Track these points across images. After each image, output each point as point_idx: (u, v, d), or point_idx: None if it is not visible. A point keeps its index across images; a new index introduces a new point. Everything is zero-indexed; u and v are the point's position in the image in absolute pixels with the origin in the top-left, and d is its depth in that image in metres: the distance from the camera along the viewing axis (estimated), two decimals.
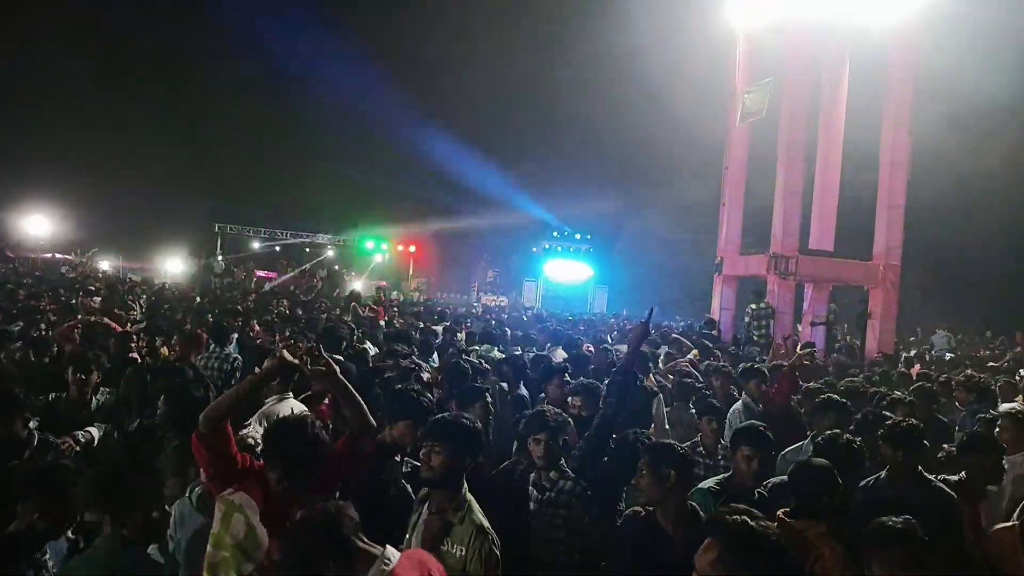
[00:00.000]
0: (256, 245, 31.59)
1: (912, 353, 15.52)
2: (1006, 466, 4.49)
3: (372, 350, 8.15)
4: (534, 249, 29.82)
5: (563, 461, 3.92)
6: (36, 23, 29.56)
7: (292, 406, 5.00)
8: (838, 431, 4.22)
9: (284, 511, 2.81)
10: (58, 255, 26.38)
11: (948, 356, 14.42)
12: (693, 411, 6.16)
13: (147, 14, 31.98)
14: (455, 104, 32.26)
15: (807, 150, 15.68)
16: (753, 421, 4.64)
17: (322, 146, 33.89)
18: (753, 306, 14.17)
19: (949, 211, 23.20)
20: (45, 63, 29.16)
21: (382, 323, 10.90)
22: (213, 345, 7.40)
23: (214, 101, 31.97)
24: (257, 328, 9.71)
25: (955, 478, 4.24)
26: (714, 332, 13.96)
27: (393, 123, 30.42)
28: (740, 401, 6.27)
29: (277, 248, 32.19)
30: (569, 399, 5.20)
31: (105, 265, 25.98)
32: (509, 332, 11.04)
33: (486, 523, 3.09)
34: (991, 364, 13.24)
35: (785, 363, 7.05)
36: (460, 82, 30.48)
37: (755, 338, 13.70)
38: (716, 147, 18.44)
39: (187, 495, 3.54)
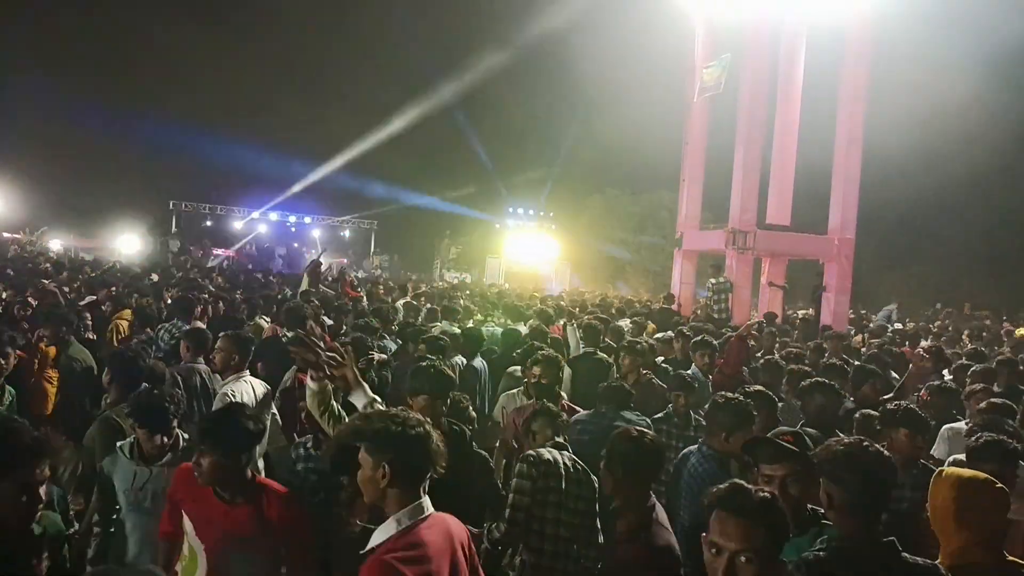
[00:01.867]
0: (210, 223, 31.01)
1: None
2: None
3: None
4: (496, 226, 29.78)
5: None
6: None
7: (252, 385, 4.96)
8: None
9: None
10: (5, 234, 25.55)
11: (891, 327, 14.79)
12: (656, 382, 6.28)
13: None
14: (415, 77, 31.89)
15: (765, 126, 15.86)
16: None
17: (277, 118, 33.27)
18: (712, 280, 14.37)
19: (906, 186, 23.78)
20: None
21: (364, 304, 10.76)
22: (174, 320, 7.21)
23: (166, 73, 31.12)
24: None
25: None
26: (673, 307, 14.12)
27: (353, 94, 29.98)
28: (688, 372, 6.33)
29: (235, 225, 31.63)
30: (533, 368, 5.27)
31: (56, 244, 25.24)
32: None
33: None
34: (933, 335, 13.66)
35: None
36: (419, 56, 30.13)
37: (714, 312, 13.91)
38: (676, 123, 18.57)
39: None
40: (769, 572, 2.05)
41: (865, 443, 2.61)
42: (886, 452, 2.64)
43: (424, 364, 3.99)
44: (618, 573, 3.08)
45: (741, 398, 3.99)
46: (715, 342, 6.89)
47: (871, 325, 15.05)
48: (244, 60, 32.38)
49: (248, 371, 5.00)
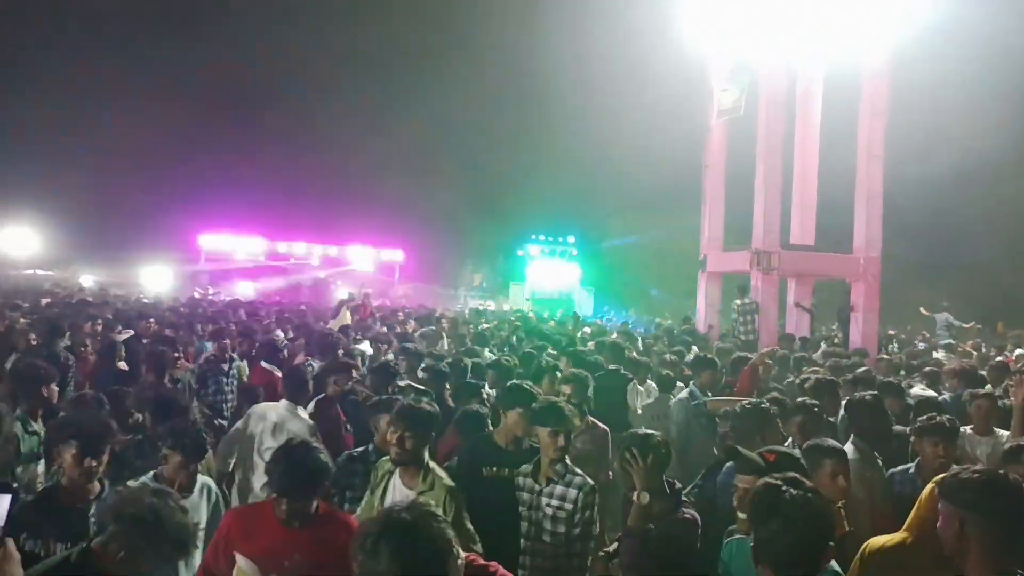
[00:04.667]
0: (239, 255, 31.46)
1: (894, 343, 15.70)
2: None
3: (369, 350, 8.84)
4: (519, 252, 29.84)
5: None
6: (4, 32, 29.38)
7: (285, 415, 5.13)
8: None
9: None
10: (39, 271, 26.13)
11: (944, 343, 14.51)
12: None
13: (122, 22, 31.86)
14: (434, 105, 32.30)
15: (785, 145, 15.82)
16: None
17: (303, 154, 33.84)
18: (738, 302, 14.27)
19: (931, 202, 23.52)
20: (17, 77, 28.98)
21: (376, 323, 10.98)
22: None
23: (195, 105, 31.82)
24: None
25: None
26: (690, 327, 14.16)
27: (368, 125, 30.37)
28: (687, 389, 6.40)
29: (261, 258, 32.05)
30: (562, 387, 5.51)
31: (88, 281, 25.75)
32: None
33: (451, 482, 3.62)
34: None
35: (750, 356, 7.23)
36: (439, 82, 30.52)
37: (741, 333, 13.79)
38: (696, 146, 18.59)
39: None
40: None
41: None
42: None
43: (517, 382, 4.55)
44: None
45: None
46: (715, 360, 6.98)
47: (932, 337, 14.75)
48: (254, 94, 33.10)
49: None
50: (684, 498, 3.43)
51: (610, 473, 5.31)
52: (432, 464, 3.72)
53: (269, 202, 32.24)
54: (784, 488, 2.14)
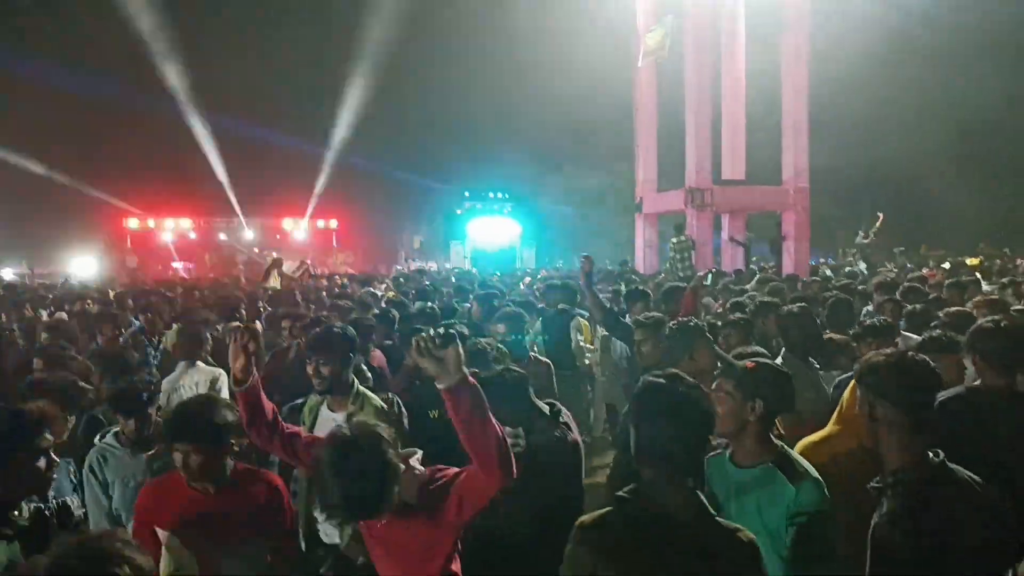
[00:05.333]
0: (168, 236, 30.44)
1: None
2: None
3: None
4: (457, 211, 29.58)
5: None
6: None
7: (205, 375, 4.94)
8: None
9: None
10: None
11: (863, 266, 15.01)
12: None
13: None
14: (360, 65, 31.49)
15: (712, 83, 15.95)
16: None
17: (223, 121, 32.64)
18: (674, 240, 14.44)
19: (855, 133, 24.12)
20: None
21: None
22: None
23: (108, 81, 30.35)
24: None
25: None
26: (628, 268, 14.36)
27: (302, 91, 29.53)
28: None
29: (191, 236, 31.08)
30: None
31: (8, 274, 24.58)
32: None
33: (382, 403, 3.67)
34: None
35: (681, 285, 7.36)
36: (364, 39, 29.70)
37: (679, 271, 13.99)
38: (626, 91, 18.58)
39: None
40: None
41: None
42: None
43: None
44: None
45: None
46: (647, 292, 7.17)
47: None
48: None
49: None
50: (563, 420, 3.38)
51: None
52: (362, 388, 3.68)
53: (196, 179, 31.14)
54: (666, 384, 2.07)
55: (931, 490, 2.19)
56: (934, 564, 2.11)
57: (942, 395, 2.93)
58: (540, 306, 7.73)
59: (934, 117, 24.26)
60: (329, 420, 3.44)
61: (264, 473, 3.11)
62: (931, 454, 2.25)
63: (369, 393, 3.68)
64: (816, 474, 2.49)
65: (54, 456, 2.50)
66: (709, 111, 15.66)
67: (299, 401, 4.35)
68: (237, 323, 5.96)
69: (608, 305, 6.31)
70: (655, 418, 2.01)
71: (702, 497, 1.99)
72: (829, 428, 3.03)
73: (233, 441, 2.89)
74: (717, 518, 1.98)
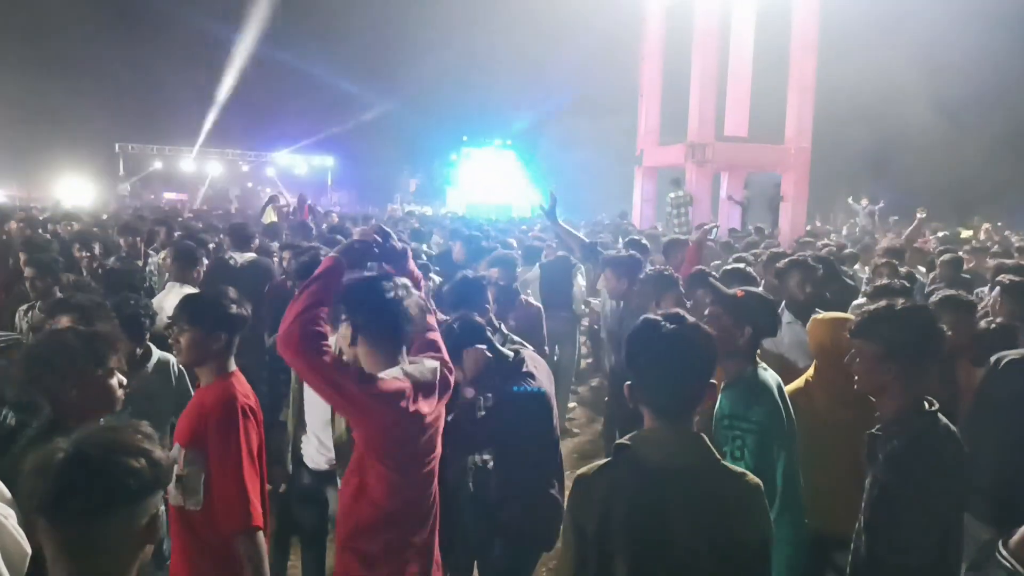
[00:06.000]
0: (159, 164, 30.03)
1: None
2: None
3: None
4: (453, 156, 29.27)
5: None
6: None
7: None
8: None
9: None
10: None
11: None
12: None
13: None
14: (365, 7, 30.84)
15: (721, 38, 15.65)
16: None
17: (226, 59, 31.98)
18: (672, 195, 14.33)
19: (862, 96, 23.79)
20: None
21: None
22: None
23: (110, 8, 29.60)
24: None
25: None
26: (627, 221, 14.28)
27: (297, 28, 28.86)
28: None
29: (185, 166, 30.67)
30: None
31: (1, 197, 24.28)
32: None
33: None
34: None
35: (683, 238, 7.38)
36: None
37: (675, 226, 13.92)
38: (632, 44, 18.20)
39: None
40: None
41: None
42: None
43: None
44: None
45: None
46: (645, 244, 7.13)
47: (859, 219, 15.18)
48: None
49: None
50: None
51: (545, 349, 5.52)
52: None
53: (193, 110, 30.57)
54: (662, 323, 1.92)
55: (928, 436, 2.26)
56: (928, 502, 2.21)
57: (1010, 354, 3.21)
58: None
59: (946, 84, 23.91)
60: None
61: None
62: (926, 403, 2.30)
63: None
64: (776, 399, 2.65)
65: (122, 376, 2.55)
66: (715, 65, 15.40)
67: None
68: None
69: (583, 239, 6.29)
70: (657, 358, 1.89)
71: (706, 440, 1.90)
72: (805, 376, 3.17)
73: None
74: (723, 462, 1.91)
